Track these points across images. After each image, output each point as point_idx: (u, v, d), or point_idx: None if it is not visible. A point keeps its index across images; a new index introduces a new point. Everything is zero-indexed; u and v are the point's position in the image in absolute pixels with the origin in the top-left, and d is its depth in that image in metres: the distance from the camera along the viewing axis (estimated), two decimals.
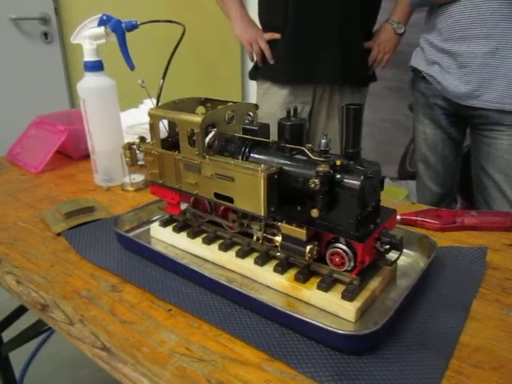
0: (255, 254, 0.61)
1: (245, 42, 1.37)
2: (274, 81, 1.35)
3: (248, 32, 1.36)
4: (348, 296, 0.52)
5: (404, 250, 0.61)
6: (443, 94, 1.13)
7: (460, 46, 1.04)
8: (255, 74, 1.43)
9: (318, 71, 1.28)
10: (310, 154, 0.53)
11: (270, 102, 1.36)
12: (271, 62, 1.34)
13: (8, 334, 1.19)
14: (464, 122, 1.18)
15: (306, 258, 0.54)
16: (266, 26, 1.36)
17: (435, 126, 1.22)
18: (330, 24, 1.24)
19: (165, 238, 0.70)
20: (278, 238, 0.57)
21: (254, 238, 0.61)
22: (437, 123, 1.21)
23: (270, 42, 1.33)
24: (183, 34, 0.75)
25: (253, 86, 1.60)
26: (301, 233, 0.54)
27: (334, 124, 1.37)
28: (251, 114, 0.66)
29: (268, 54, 1.33)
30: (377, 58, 1.35)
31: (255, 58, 1.38)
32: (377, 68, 1.41)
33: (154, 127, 0.64)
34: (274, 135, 0.59)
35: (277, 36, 1.31)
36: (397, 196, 1.69)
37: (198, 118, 0.58)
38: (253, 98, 2.04)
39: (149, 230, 0.72)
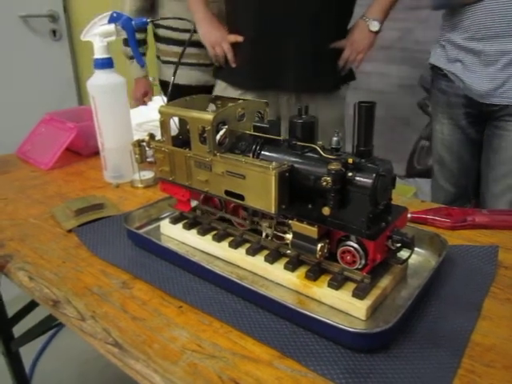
0: (265, 252, 0.61)
1: (208, 44, 1.32)
2: (234, 84, 1.30)
3: (212, 34, 1.30)
4: (359, 294, 0.52)
5: (415, 249, 0.61)
6: (465, 92, 1.12)
7: (485, 45, 1.03)
8: (217, 74, 1.38)
9: (281, 78, 1.21)
10: (321, 152, 0.53)
11: None
12: (233, 65, 1.29)
13: (18, 329, 1.20)
14: (484, 121, 1.16)
15: (317, 256, 0.54)
16: (231, 28, 1.30)
17: (453, 126, 1.20)
18: (294, 28, 1.17)
19: (175, 235, 0.70)
20: (289, 236, 0.57)
21: (263, 234, 0.61)
22: (456, 123, 1.19)
23: (234, 45, 1.27)
24: (193, 31, 0.75)
25: None
26: (312, 231, 0.54)
27: None
28: (261, 111, 0.66)
29: (230, 56, 1.27)
30: (349, 58, 1.27)
31: (218, 60, 1.33)
32: (351, 67, 1.32)
33: (164, 125, 0.64)
34: None
35: (240, 39, 1.25)
36: (405, 194, 1.69)
37: (209, 116, 0.58)
38: None
39: (159, 227, 0.73)
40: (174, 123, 0.66)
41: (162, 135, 0.65)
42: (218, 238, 0.65)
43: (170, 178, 0.66)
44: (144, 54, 1.71)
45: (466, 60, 1.08)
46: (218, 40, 1.29)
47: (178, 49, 1.60)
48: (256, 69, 1.24)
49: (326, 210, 0.51)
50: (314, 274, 0.56)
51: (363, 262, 0.53)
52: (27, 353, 1.37)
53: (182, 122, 0.67)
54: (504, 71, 1.02)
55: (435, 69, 1.21)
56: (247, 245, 0.63)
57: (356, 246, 0.52)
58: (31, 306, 1.21)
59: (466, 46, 1.07)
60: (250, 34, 1.23)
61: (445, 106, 1.20)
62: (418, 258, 0.64)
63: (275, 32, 1.18)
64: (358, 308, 0.52)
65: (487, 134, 1.16)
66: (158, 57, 1.73)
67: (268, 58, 1.22)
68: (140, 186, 0.93)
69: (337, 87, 1.31)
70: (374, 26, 1.24)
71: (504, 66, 1.02)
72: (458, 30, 1.09)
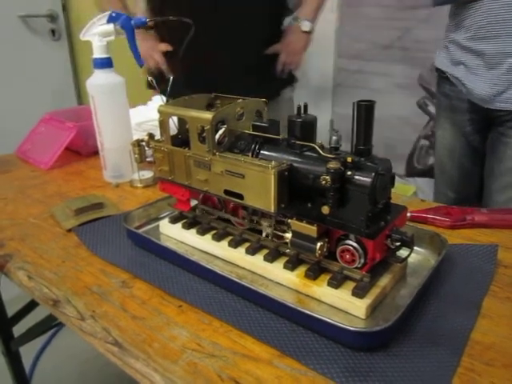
0: (265, 251, 0.61)
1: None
2: (171, 97, 1.25)
3: (141, 46, 1.20)
4: (358, 293, 0.52)
5: (414, 248, 0.61)
6: (468, 96, 1.09)
7: (488, 45, 0.99)
8: (153, 86, 1.35)
9: (219, 92, 1.19)
10: (320, 151, 0.53)
11: None
12: (169, 75, 1.24)
13: (18, 329, 1.20)
14: (487, 127, 1.13)
15: (317, 254, 0.54)
16: (162, 38, 1.25)
17: (456, 132, 1.17)
18: (226, 39, 1.13)
19: (174, 234, 0.70)
20: (288, 235, 0.57)
21: (264, 234, 0.61)
22: (459, 128, 1.16)
23: (167, 55, 1.22)
24: (192, 31, 0.75)
25: None
26: (311, 230, 0.54)
27: None
28: (261, 110, 0.66)
29: (164, 67, 1.22)
30: (286, 61, 1.25)
31: (153, 73, 1.27)
32: (290, 70, 1.30)
33: (163, 124, 0.64)
34: None
35: (169, 48, 1.21)
36: (405, 193, 1.68)
37: (208, 115, 0.58)
38: None
39: (158, 226, 0.73)
40: (173, 123, 0.66)
41: (162, 135, 0.65)
42: (218, 238, 0.65)
43: (170, 178, 0.66)
44: None
45: (469, 62, 1.05)
46: (148, 51, 1.22)
47: None
48: (191, 80, 1.15)
49: (325, 209, 0.51)
50: (313, 273, 0.56)
51: (362, 260, 0.53)
52: (27, 352, 1.37)
53: (181, 122, 0.67)
54: (508, 74, 0.99)
55: (439, 71, 1.18)
56: (247, 244, 0.63)
57: (355, 244, 0.52)
58: (31, 305, 1.21)
59: (469, 47, 1.04)
60: (180, 43, 1.18)
61: (448, 111, 1.17)
62: (418, 257, 0.64)
63: (207, 41, 1.13)
64: (358, 307, 0.52)
65: (491, 140, 1.12)
66: None
67: (202, 69, 1.16)
68: (139, 185, 0.93)
69: (277, 93, 1.28)
70: (306, 26, 1.23)
71: (508, 69, 0.98)
72: (461, 29, 1.06)
